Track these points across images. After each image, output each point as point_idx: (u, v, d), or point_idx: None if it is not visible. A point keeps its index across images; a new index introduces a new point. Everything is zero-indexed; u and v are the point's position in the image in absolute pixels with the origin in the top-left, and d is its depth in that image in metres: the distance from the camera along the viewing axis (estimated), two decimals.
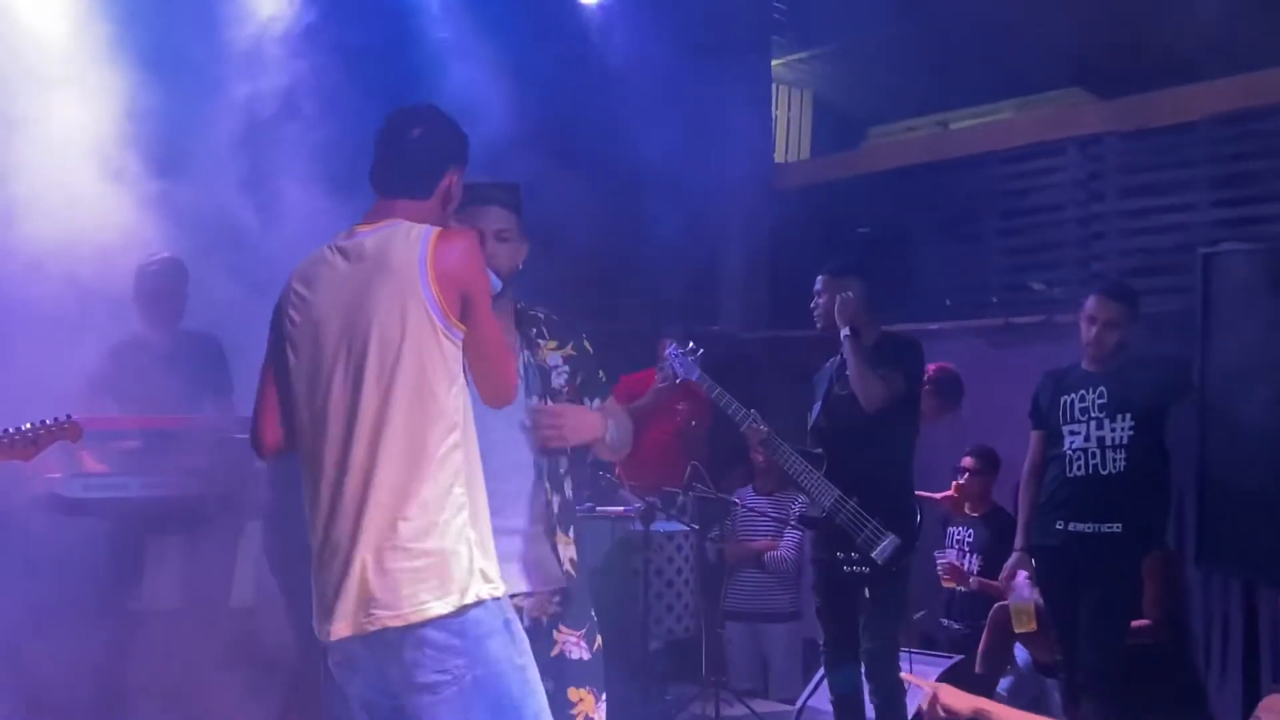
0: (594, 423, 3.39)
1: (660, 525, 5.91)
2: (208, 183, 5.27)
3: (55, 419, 3.95)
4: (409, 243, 2.80)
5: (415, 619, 2.70)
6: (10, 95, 4.98)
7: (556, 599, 3.36)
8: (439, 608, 2.70)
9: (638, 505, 5.80)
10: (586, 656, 3.41)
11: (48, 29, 5.16)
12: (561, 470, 3.41)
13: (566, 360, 3.47)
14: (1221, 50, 6.86)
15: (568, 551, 3.37)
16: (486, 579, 2.78)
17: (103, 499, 4.62)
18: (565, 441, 3.33)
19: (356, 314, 2.80)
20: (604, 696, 3.45)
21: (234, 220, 5.32)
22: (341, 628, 2.76)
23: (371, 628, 2.72)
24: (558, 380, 3.43)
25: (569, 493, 3.44)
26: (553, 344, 3.46)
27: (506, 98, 6.77)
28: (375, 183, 2.98)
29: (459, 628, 2.72)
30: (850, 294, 5.01)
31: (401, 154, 2.97)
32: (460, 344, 2.81)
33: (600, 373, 3.54)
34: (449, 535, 2.75)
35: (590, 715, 3.40)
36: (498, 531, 3.26)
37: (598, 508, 6.10)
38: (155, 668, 4.57)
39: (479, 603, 2.74)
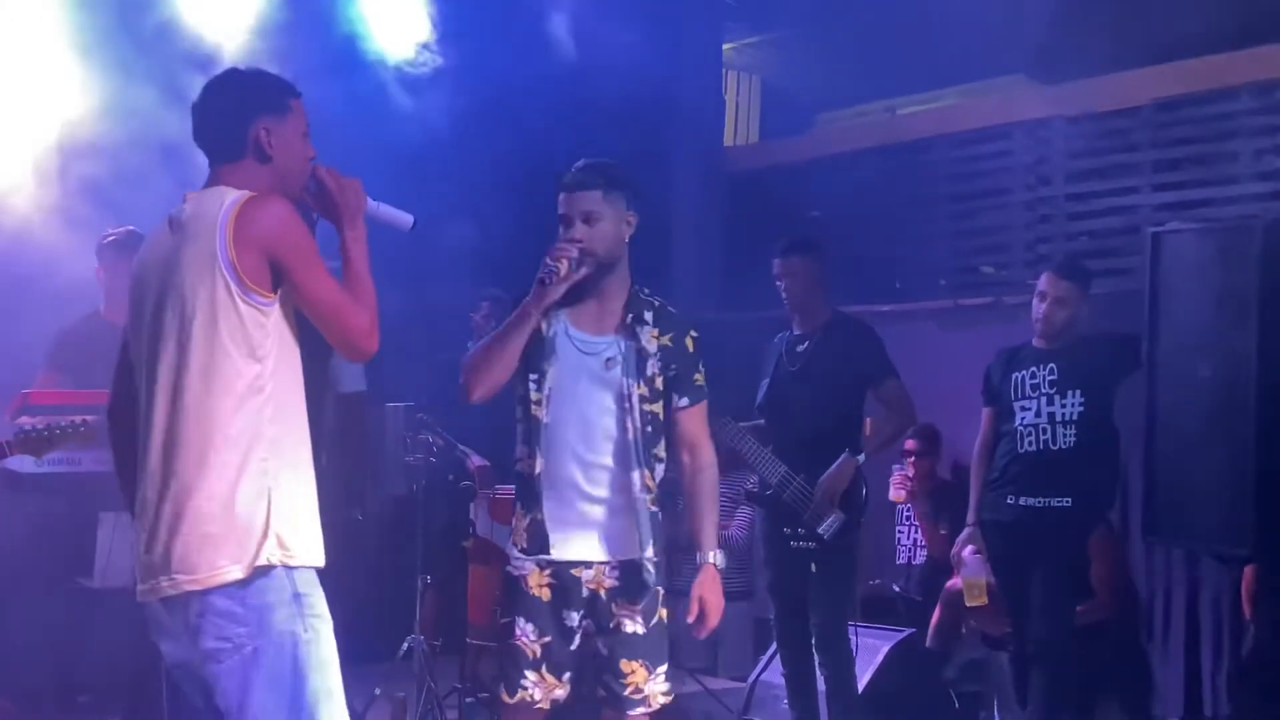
0: (719, 589, 3.55)
1: None
2: None
3: (72, 420, 3.97)
4: (215, 209, 2.78)
5: (206, 584, 2.70)
6: None
7: (615, 573, 3.49)
8: (227, 574, 2.70)
9: None
10: (641, 630, 3.49)
11: None
12: (655, 450, 3.52)
13: (660, 350, 3.53)
14: (1163, 36, 6.99)
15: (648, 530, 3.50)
16: (283, 547, 2.76)
17: (55, 474, 4.56)
18: (720, 615, 3.54)
19: (167, 283, 2.80)
20: (660, 670, 3.52)
21: None
22: (146, 590, 2.78)
23: (169, 592, 2.73)
24: (652, 367, 3.52)
25: (657, 483, 3.56)
26: (655, 331, 3.54)
27: (452, 78, 6.79)
28: (206, 154, 2.97)
29: (242, 596, 2.71)
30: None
31: (202, 120, 2.95)
32: (267, 310, 2.78)
33: (697, 376, 3.58)
34: (244, 502, 2.73)
35: (641, 687, 3.48)
36: (563, 499, 3.47)
37: None
38: (109, 645, 4.52)
39: (268, 570, 2.73)
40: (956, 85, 8.68)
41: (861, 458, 4.93)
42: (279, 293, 2.79)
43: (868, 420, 5.21)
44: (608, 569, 3.49)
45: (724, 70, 9.61)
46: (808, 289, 5.10)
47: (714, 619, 3.50)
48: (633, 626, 3.47)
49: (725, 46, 9.53)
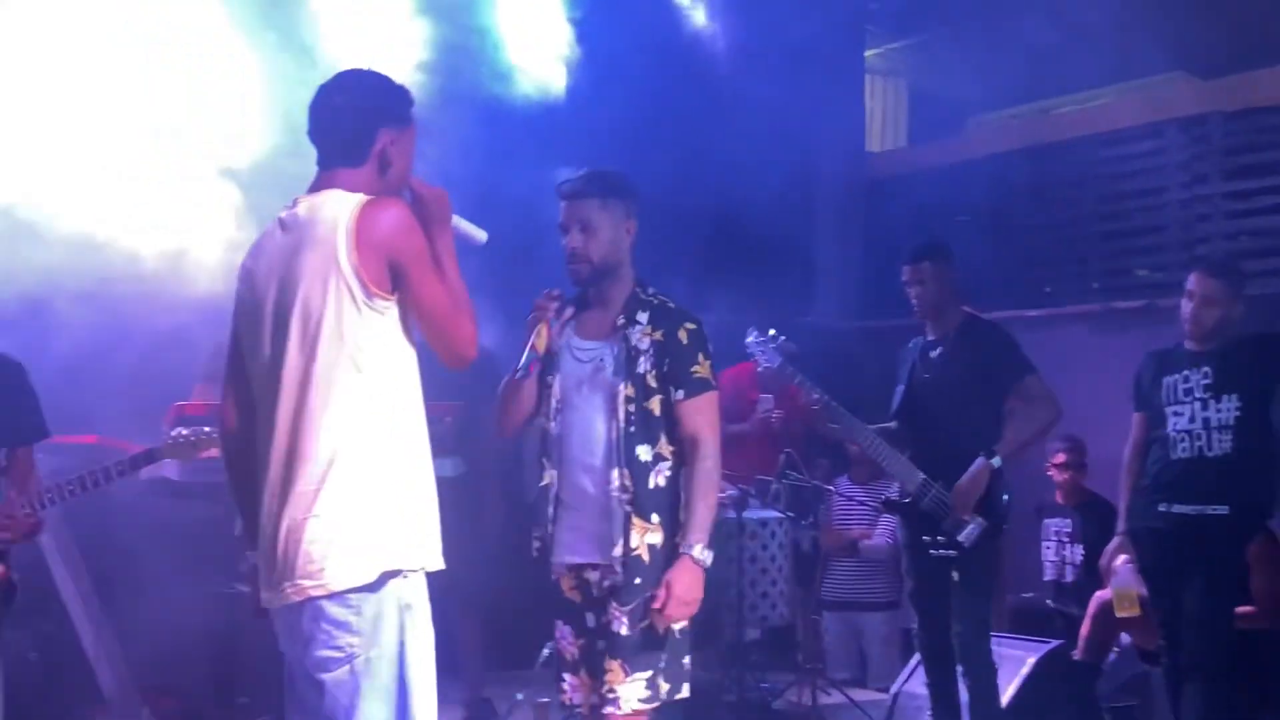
0: (693, 582, 3.42)
1: (753, 512, 5.91)
2: None
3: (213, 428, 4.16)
4: (335, 212, 2.77)
5: (331, 589, 2.71)
6: None
7: (612, 575, 3.49)
8: (342, 581, 2.71)
9: (731, 493, 5.80)
10: (625, 631, 3.47)
11: None
12: (644, 459, 3.50)
13: (652, 345, 3.54)
14: None
15: (644, 536, 3.48)
16: (399, 556, 2.77)
17: (211, 483, 4.74)
18: (689, 610, 3.43)
19: (286, 285, 2.80)
20: (640, 675, 3.46)
21: None
22: (270, 597, 2.80)
23: (294, 599, 2.74)
24: (644, 365, 3.52)
25: (657, 482, 3.51)
26: (648, 328, 3.55)
27: (599, 91, 6.86)
28: (317, 155, 2.96)
29: (358, 605, 2.72)
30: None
31: (328, 123, 2.93)
32: (388, 313, 2.79)
33: (696, 367, 3.54)
34: (363, 509, 2.74)
35: (615, 687, 3.46)
36: (574, 505, 3.53)
37: None
38: (262, 648, 4.67)
39: (388, 578, 2.74)
40: (1112, 85, 8.46)
41: (996, 462, 4.83)
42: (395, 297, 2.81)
43: None
44: (607, 570, 3.50)
45: (867, 76, 9.53)
46: (938, 294, 5.03)
47: (676, 610, 3.41)
48: (619, 627, 3.47)
49: (868, 53, 9.46)
